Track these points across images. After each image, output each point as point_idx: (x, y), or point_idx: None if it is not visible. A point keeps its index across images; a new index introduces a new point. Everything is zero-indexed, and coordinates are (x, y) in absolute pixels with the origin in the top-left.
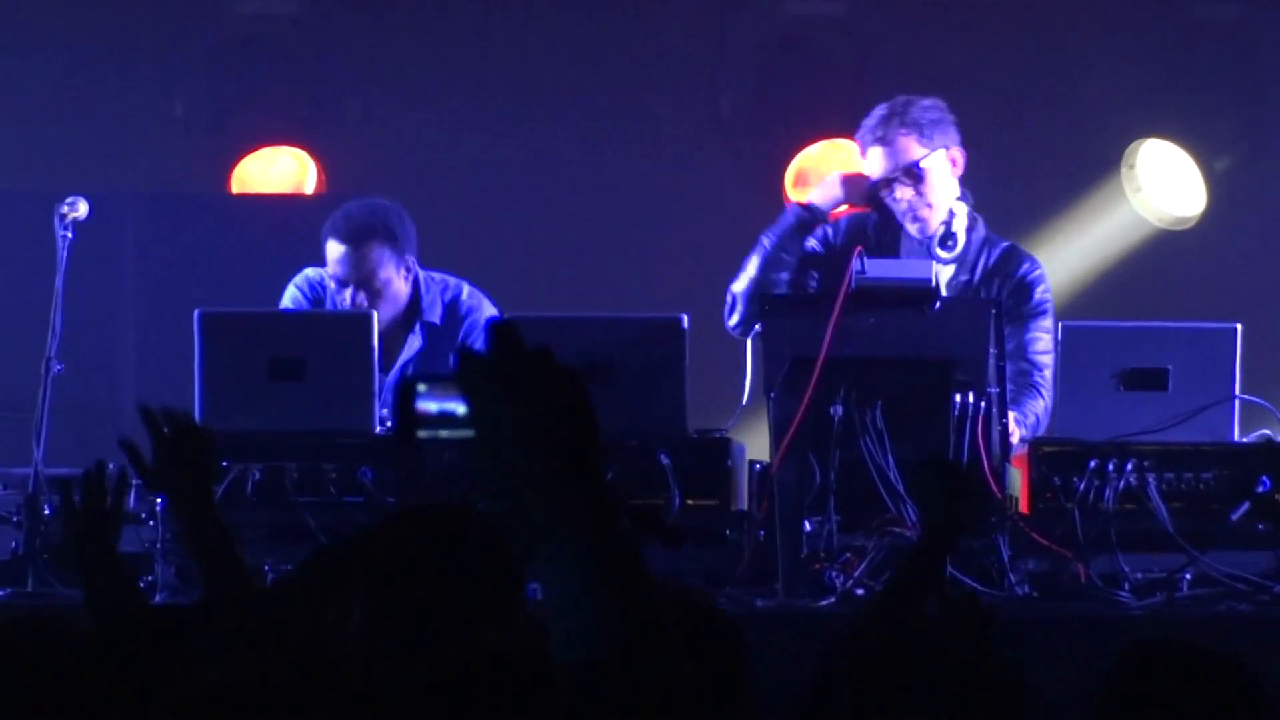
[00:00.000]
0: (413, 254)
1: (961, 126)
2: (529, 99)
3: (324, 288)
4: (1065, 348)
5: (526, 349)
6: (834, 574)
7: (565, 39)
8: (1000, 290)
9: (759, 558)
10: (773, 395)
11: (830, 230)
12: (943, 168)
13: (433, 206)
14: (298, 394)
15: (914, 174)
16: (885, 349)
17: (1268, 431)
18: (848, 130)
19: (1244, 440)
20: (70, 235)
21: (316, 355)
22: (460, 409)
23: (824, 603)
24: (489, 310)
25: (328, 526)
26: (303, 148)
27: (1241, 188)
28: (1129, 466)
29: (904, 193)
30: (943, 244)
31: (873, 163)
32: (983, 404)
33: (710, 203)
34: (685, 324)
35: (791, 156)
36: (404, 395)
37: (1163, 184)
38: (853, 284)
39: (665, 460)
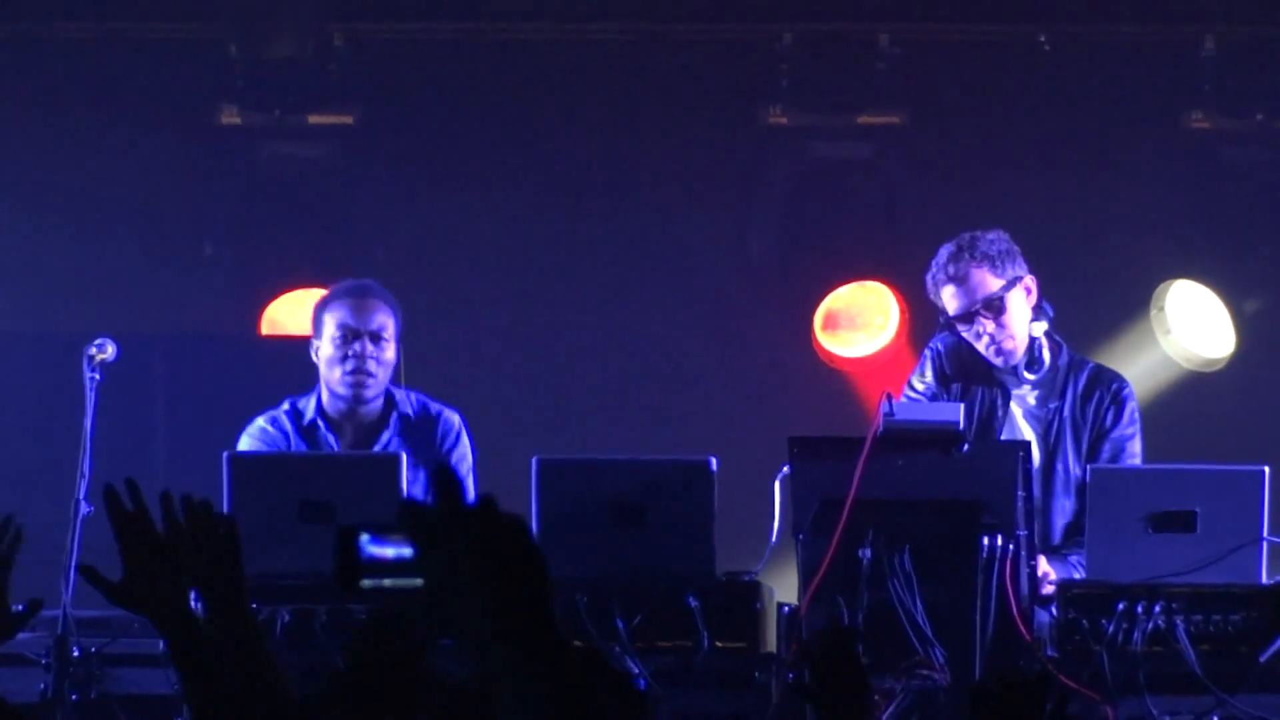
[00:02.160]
0: (401, 334)
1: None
2: (559, 243)
3: (280, 427)
4: (1094, 490)
5: (469, 498)
6: None
7: (596, 182)
8: (1098, 409)
9: (788, 701)
10: (801, 537)
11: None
12: (1019, 297)
13: (462, 347)
14: (326, 536)
15: (994, 306)
16: (914, 491)
17: None
18: (876, 272)
19: (1272, 582)
20: (98, 377)
21: (345, 497)
22: (405, 557)
23: None
24: (455, 420)
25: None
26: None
27: (1271, 330)
28: (1157, 608)
29: (986, 325)
30: (1029, 368)
31: (948, 300)
32: (1011, 546)
33: (739, 344)
34: (714, 466)
35: (820, 298)
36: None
37: (1192, 326)
38: (881, 427)
39: (694, 603)
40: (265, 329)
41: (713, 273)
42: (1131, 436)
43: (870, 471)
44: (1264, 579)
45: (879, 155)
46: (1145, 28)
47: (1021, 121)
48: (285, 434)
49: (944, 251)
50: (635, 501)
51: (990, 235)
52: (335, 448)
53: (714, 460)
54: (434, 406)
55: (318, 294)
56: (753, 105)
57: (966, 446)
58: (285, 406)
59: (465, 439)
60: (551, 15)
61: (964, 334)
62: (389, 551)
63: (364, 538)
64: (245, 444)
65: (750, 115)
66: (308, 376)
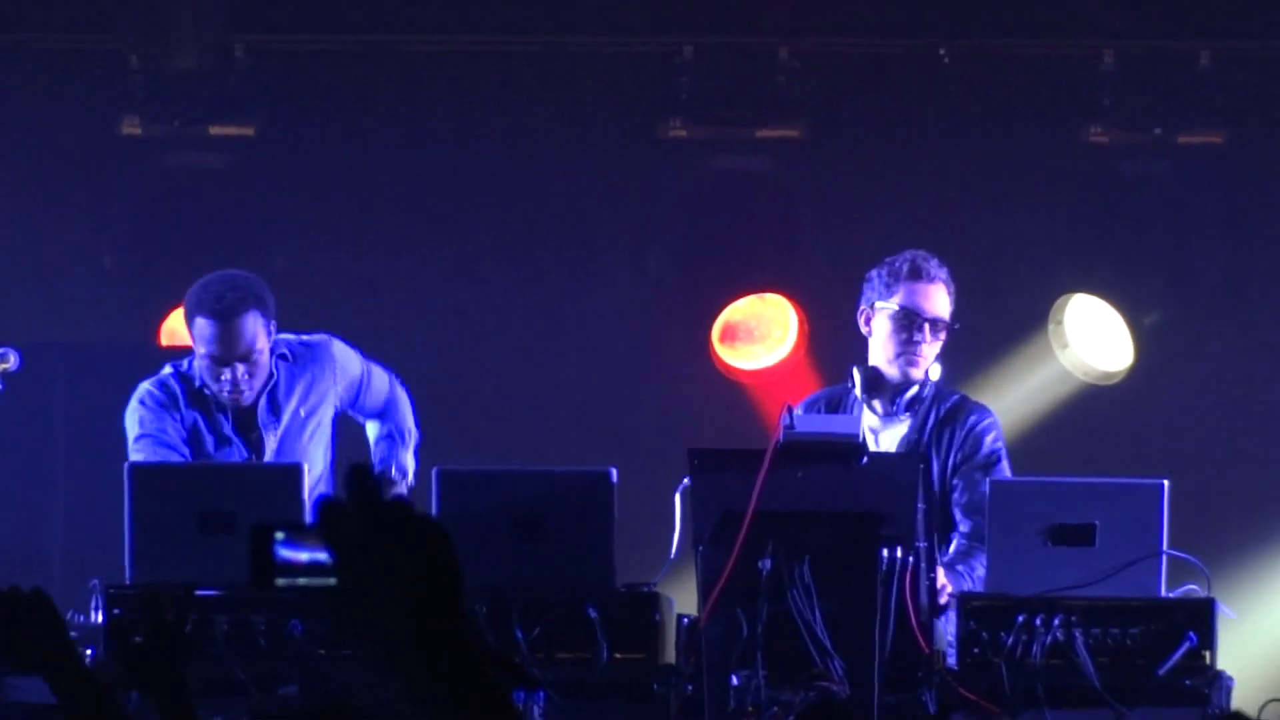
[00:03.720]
0: (274, 319)
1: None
2: (460, 252)
3: (168, 392)
4: (993, 503)
5: (385, 498)
6: None
7: (494, 194)
8: (951, 441)
9: (686, 712)
10: (701, 549)
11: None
12: (946, 335)
13: (370, 343)
14: (228, 546)
15: (937, 328)
16: (813, 503)
17: (1194, 587)
18: (775, 284)
19: (1171, 595)
20: (1, 386)
21: (247, 507)
22: (319, 557)
23: None
24: (330, 344)
25: (258, 680)
26: None
27: (1169, 343)
28: (1056, 621)
29: (921, 338)
30: (908, 405)
31: (897, 296)
32: (910, 558)
33: (639, 355)
34: (614, 477)
35: (719, 310)
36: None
37: (1090, 339)
38: (781, 439)
39: (593, 614)
40: (165, 339)
41: (612, 285)
42: (991, 467)
43: (770, 483)
44: (1163, 592)
45: (778, 168)
46: (1045, 42)
47: (921, 135)
48: (173, 396)
49: (915, 253)
50: (535, 512)
51: (948, 270)
52: (226, 413)
53: (614, 471)
54: (307, 338)
55: None
56: (652, 118)
57: (866, 459)
58: (168, 370)
59: (349, 352)
60: (451, 28)
61: (888, 337)
62: (303, 552)
63: (278, 537)
64: (137, 413)
65: (650, 128)
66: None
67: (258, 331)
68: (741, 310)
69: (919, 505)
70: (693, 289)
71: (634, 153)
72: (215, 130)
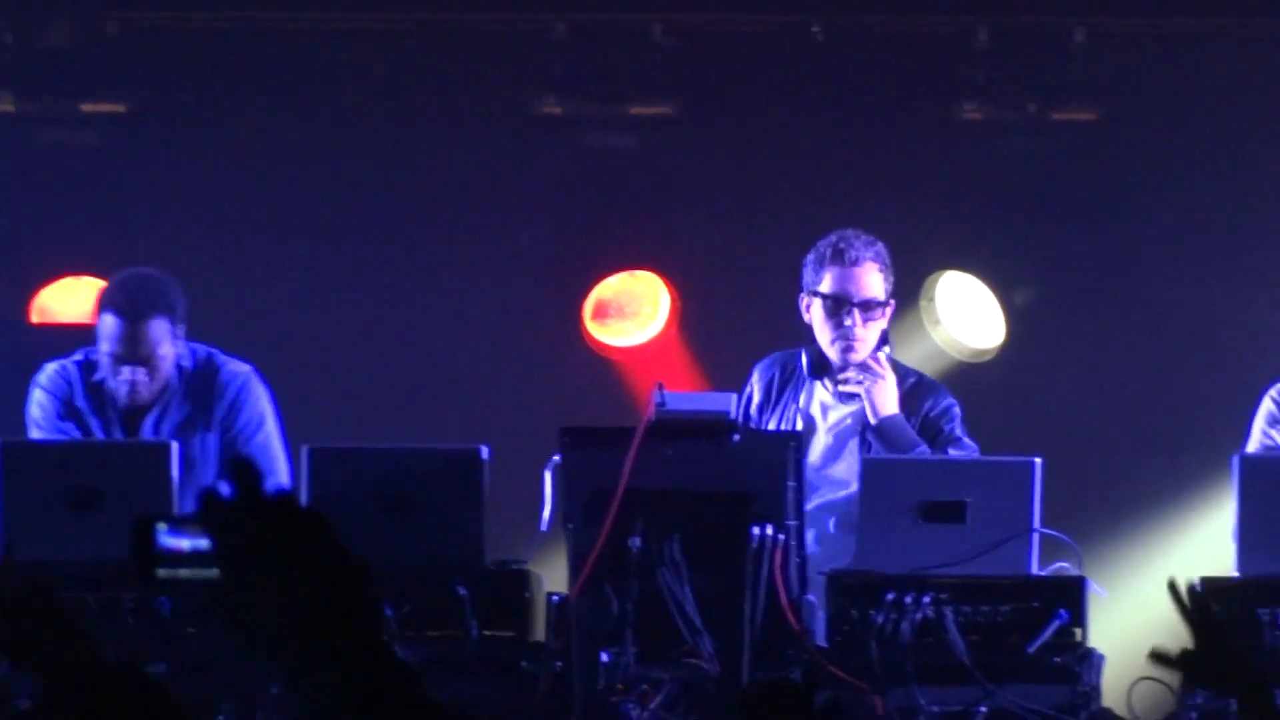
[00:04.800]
0: (185, 324)
1: (762, 258)
2: (331, 229)
3: (68, 377)
4: (865, 479)
5: (268, 490)
6: (630, 706)
7: (367, 171)
8: (913, 425)
9: (556, 689)
10: (571, 526)
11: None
12: (886, 313)
13: (230, 334)
14: (96, 523)
15: (870, 309)
16: (684, 481)
17: (1065, 564)
18: (646, 261)
19: (1042, 573)
20: None
21: (115, 485)
22: (202, 548)
23: None
24: (240, 373)
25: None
26: (102, 278)
27: (1040, 320)
28: (927, 599)
29: (853, 323)
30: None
31: (828, 283)
32: (781, 536)
33: (510, 333)
34: (485, 455)
35: (591, 287)
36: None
37: (962, 316)
38: (652, 416)
39: (463, 591)
40: (35, 317)
41: (483, 262)
42: (953, 444)
43: (641, 461)
44: (1034, 570)
45: (651, 146)
46: (918, 19)
47: (794, 113)
48: (69, 383)
49: (841, 234)
50: (405, 490)
51: (881, 244)
52: (118, 407)
53: (485, 449)
54: (220, 359)
55: (88, 282)
56: (525, 95)
57: (737, 436)
58: (79, 356)
59: (256, 391)
60: (323, 4)
61: (822, 323)
62: (185, 542)
63: (161, 528)
64: (36, 401)
65: (522, 105)
66: None
67: (162, 337)
68: (613, 287)
69: (789, 483)
70: (565, 266)
71: (507, 130)
72: (87, 107)
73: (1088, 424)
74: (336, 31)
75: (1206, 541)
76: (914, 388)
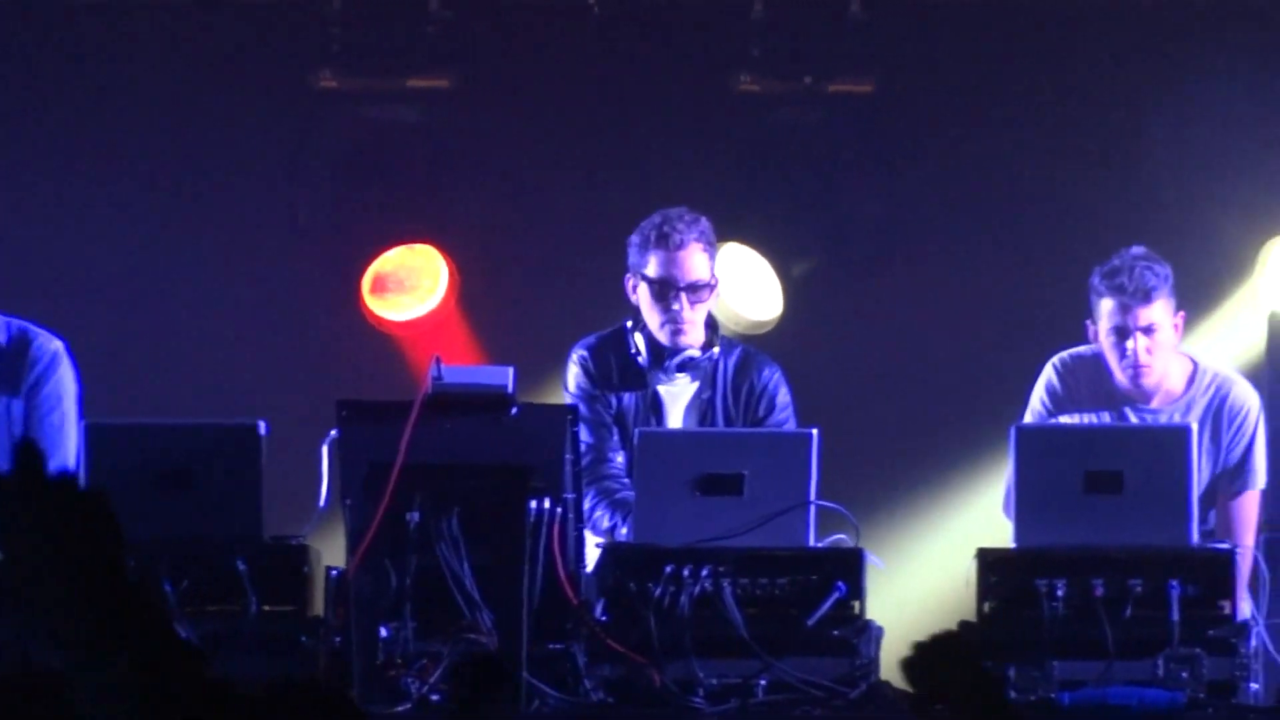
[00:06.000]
0: None
1: (541, 232)
2: (109, 204)
3: None
4: (641, 453)
5: (50, 470)
6: (410, 680)
7: (144, 143)
8: (749, 398)
9: (335, 664)
10: (349, 501)
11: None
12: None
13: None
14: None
15: (697, 290)
16: (463, 455)
17: (843, 536)
18: (424, 235)
19: (820, 545)
20: None
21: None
22: None
23: (400, 709)
24: (51, 347)
25: None
26: None
27: (818, 292)
28: (705, 572)
29: (680, 305)
30: (682, 365)
31: (653, 267)
32: (559, 510)
33: (288, 307)
34: (263, 430)
35: (369, 261)
36: None
37: (740, 289)
38: (430, 390)
39: (242, 566)
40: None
41: (262, 236)
42: (784, 423)
43: (419, 435)
44: (812, 542)
45: (428, 118)
46: None
47: (570, 85)
48: None
49: (665, 215)
50: (183, 465)
51: (705, 222)
52: None
53: (263, 424)
54: (32, 332)
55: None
56: (302, 69)
57: (515, 410)
58: None
59: (63, 369)
60: None
61: (650, 306)
62: None
63: None
64: None
65: (300, 79)
66: None
67: None
68: (391, 261)
69: (566, 456)
70: (343, 240)
71: (284, 103)
72: None
73: (866, 396)
74: (110, 4)
75: (984, 514)
76: (745, 358)
